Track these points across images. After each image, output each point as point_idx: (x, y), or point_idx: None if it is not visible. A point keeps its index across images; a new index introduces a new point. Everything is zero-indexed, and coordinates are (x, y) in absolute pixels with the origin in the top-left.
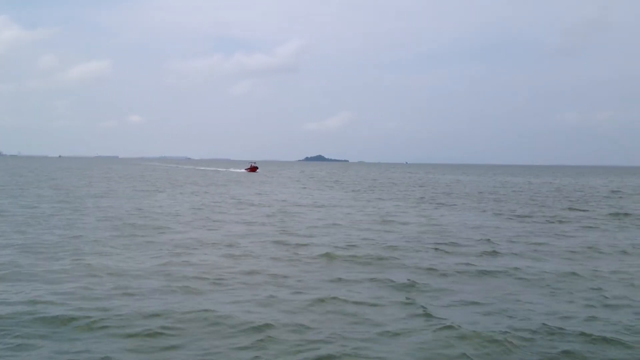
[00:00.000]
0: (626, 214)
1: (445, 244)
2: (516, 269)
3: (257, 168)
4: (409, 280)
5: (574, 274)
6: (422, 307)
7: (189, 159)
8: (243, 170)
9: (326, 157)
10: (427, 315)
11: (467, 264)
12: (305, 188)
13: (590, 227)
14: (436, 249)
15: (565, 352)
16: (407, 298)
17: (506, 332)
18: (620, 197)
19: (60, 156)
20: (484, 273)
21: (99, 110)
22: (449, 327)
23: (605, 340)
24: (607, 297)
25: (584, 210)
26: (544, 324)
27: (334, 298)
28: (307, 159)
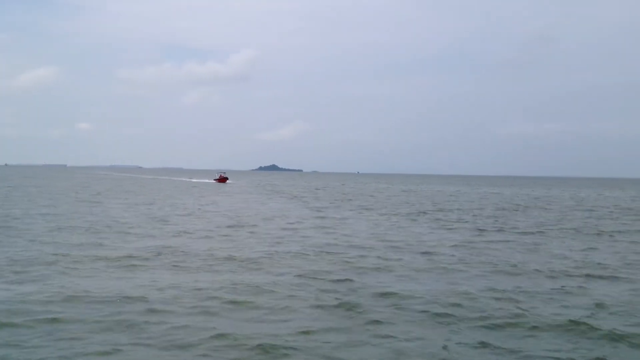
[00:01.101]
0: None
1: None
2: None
3: (227, 178)
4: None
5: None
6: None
7: (140, 167)
8: (212, 181)
9: (280, 166)
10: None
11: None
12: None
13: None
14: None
15: None
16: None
17: None
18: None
19: (6, 164)
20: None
21: (47, 118)
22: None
23: None
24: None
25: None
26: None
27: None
28: (260, 168)
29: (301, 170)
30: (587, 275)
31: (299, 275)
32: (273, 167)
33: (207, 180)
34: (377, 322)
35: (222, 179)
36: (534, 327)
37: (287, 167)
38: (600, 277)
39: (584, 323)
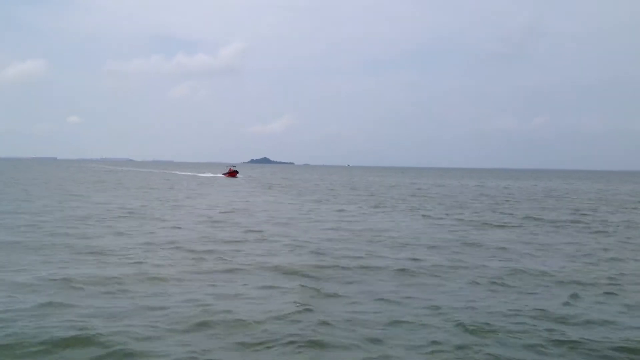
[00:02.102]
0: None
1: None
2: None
3: (237, 172)
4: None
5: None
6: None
7: (131, 160)
8: (221, 175)
9: (271, 159)
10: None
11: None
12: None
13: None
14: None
15: None
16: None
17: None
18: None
19: None
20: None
21: (36, 112)
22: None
23: None
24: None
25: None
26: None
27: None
28: (252, 161)
29: (293, 163)
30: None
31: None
32: (265, 160)
33: (213, 175)
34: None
35: (232, 173)
36: None
37: (278, 160)
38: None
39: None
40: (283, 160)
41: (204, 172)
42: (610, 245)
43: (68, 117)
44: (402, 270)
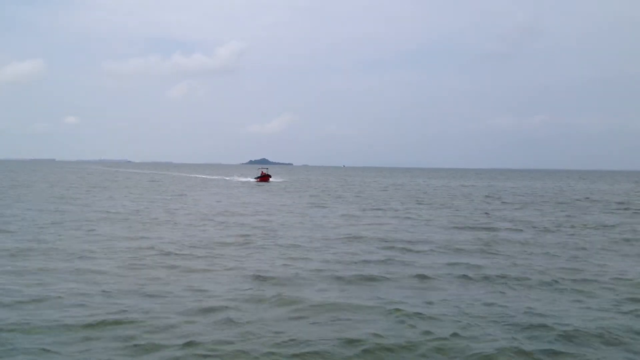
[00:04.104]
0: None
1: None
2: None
3: (269, 177)
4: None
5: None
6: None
7: (129, 161)
8: (253, 180)
9: (270, 160)
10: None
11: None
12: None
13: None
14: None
15: None
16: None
17: None
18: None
19: None
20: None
21: (33, 112)
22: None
23: None
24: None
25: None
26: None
27: None
28: (251, 162)
29: (291, 164)
30: None
31: None
32: (263, 161)
33: (245, 179)
34: None
35: (265, 177)
36: None
37: (277, 161)
38: None
39: None
40: (282, 161)
41: (232, 176)
42: None
43: (66, 117)
44: None
